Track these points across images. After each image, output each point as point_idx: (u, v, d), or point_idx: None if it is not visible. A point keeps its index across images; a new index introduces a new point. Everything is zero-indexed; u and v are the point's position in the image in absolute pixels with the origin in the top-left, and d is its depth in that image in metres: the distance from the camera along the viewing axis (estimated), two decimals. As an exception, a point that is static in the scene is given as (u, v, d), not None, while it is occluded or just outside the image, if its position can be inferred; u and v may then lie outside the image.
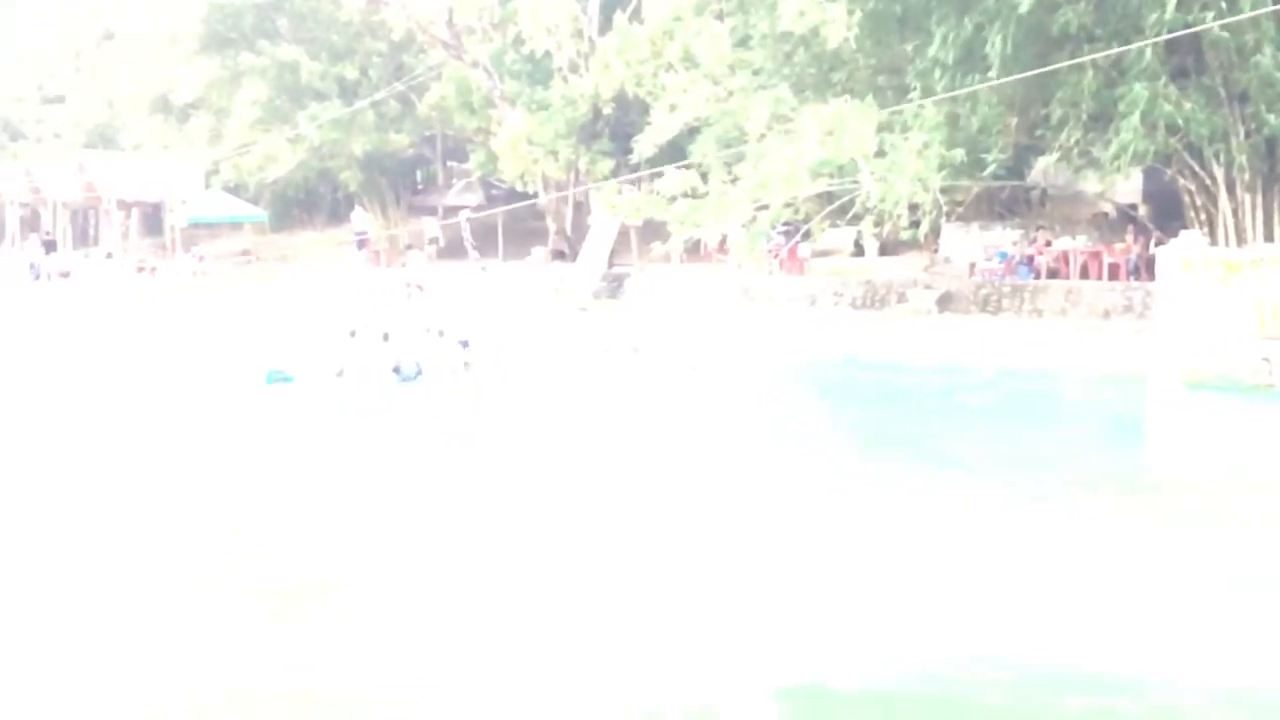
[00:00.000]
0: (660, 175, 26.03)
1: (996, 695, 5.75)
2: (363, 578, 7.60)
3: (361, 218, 38.97)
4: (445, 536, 8.65)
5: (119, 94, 47.95)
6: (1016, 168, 26.14)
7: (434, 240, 37.91)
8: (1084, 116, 21.80)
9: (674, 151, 28.35)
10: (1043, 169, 26.58)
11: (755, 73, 26.75)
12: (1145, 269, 22.49)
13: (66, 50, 52.98)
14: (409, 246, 35.38)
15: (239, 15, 40.39)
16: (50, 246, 42.74)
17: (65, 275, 41.04)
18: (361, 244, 38.21)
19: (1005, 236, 26.50)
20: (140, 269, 42.26)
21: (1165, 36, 18.71)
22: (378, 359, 17.66)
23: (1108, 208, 26.64)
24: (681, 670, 5.98)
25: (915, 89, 24.12)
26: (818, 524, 8.75)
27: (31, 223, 48.22)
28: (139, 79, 44.26)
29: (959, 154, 22.38)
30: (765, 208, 24.33)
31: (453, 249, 38.45)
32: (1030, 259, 25.31)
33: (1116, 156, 20.98)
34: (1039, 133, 23.37)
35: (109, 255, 44.23)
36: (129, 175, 44.53)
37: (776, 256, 28.62)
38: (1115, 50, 19.93)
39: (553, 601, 7.10)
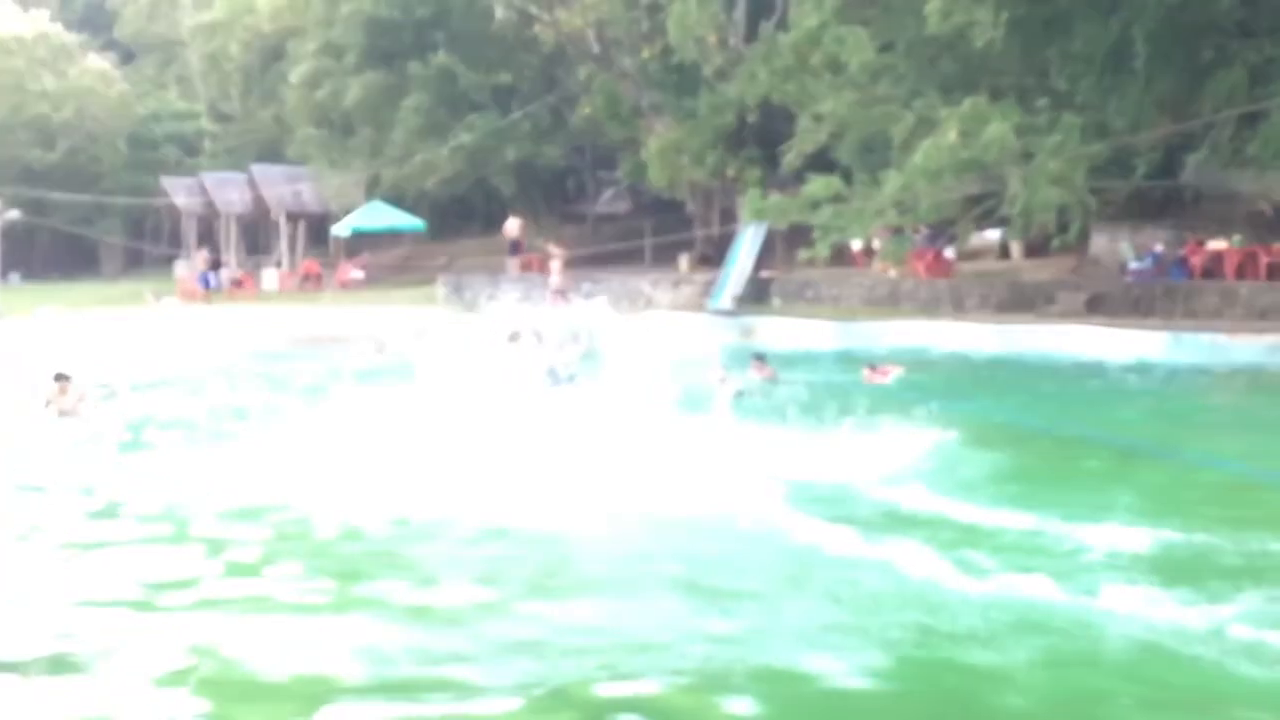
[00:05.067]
0: (805, 180, 26.29)
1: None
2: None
3: (515, 226, 39.97)
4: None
5: (286, 110, 49.97)
6: (1168, 167, 25.74)
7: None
8: (1236, 114, 21.46)
9: (821, 157, 28.57)
10: (1195, 168, 26.09)
11: (900, 77, 26.83)
12: (1305, 269, 22.06)
13: (236, 70, 55.41)
14: (552, 257, 36.23)
15: (399, 31, 41.90)
16: (215, 263, 45.01)
17: (237, 284, 43.17)
18: (514, 251, 39.22)
19: (1157, 237, 26.07)
20: (306, 277, 44.20)
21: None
22: (534, 363, 18.27)
23: (1265, 206, 26.04)
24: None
25: (1062, 90, 24.04)
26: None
27: (206, 235, 50.60)
28: (304, 95, 46.10)
29: (1100, 149, 22.13)
30: (910, 211, 24.46)
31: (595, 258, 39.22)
32: (1183, 260, 24.91)
33: (1263, 153, 20.63)
34: (1190, 130, 23.04)
35: (278, 265, 46.31)
36: (295, 187, 46.55)
37: (922, 260, 28.64)
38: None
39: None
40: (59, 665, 6.53)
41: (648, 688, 6.09)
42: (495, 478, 10.64)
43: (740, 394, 15.38)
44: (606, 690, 6.09)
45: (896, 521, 9.32)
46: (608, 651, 6.59)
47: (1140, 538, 8.51)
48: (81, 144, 57.11)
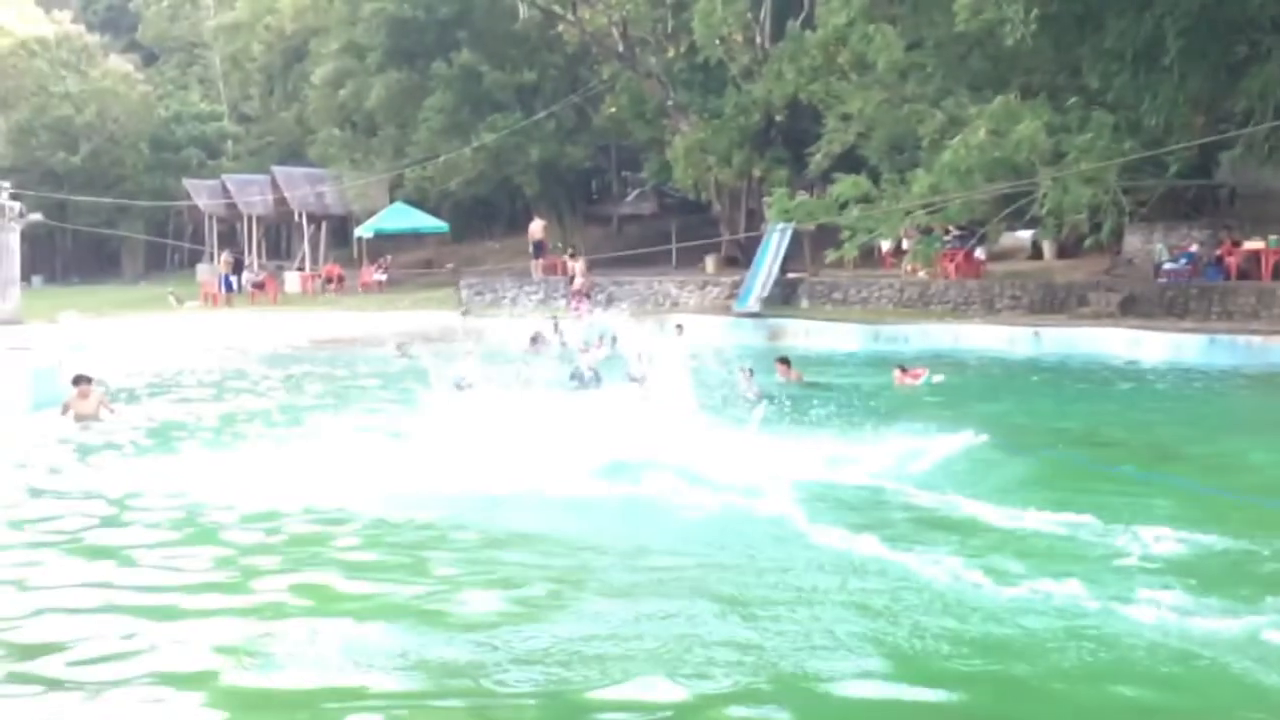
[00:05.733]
0: (832, 181, 25.99)
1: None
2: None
3: (539, 228, 39.83)
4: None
5: (308, 111, 49.95)
6: (1203, 165, 25.34)
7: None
8: (1270, 110, 21.07)
9: (848, 157, 28.27)
10: (1230, 166, 25.67)
11: (929, 76, 26.49)
12: (1343, 268, 21.63)
13: (259, 71, 55.48)
14: (572, 257, 36.11)
15: (422, 30, 41.77)
16: (238, 265, 45.00)
17: (259, 287, 43.12)
18: (538, 253, 39.05)
19: (1192, 237, 25.66)
20: (329, 279, 44.12)
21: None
22: (556, 365, 18.08)
23: (1302, 205, 25.61)
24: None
25: (1094, 87, 23.66)
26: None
27: (228, 237, 50.62)
28: (326, 95, 46.05)
29: (1133, 147, 21.73)
30: (938, 211, 24.12)
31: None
32: (1219, 260, 24.50)
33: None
34: (1224, 128, 22.66)
35: (300, 267, 46.28)
36: (318, 189, 46.50)
37: (952, 260, 28.28)
38: None
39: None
40: (75, 671, 6.38)
41: (672, 695, 5.92)
42: (517, 481, 10.47)
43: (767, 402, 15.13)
44: (629, 698, 5.92)
45: (927, 526, 9.18)
46: (630, 659, 6.42)
47: (1174, 543, 8.36)
48: (103, 146, 57.27)
